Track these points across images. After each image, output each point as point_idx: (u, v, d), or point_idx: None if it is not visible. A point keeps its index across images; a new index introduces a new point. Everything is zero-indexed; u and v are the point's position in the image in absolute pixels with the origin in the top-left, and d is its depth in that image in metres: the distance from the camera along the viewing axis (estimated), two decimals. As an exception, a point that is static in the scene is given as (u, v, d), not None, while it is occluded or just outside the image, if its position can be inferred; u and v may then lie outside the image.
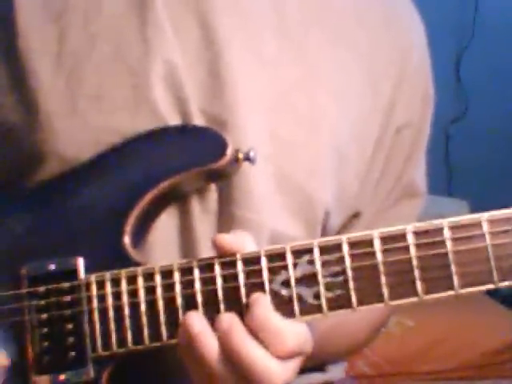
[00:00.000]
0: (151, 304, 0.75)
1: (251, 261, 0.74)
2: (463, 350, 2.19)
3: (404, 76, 0.94)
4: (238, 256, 0.74)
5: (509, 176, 2.83)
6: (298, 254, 0.73)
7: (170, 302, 0.74)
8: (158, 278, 0.75)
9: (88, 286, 0.76)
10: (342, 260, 0.72)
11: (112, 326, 0.75)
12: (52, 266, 0.77)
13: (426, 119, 0.99)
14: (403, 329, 2.03)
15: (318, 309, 0.73)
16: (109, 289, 0.76)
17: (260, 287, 0.73)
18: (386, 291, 0.71)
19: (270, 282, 0.73)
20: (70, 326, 0.76)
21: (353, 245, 0.72)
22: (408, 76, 0.94)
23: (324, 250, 0.73)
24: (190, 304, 0.74)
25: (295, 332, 0.72)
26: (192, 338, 0.72)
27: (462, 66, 3.06)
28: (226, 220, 0.84)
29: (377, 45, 0.92)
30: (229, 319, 0.72)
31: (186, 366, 0.74)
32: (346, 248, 0.72)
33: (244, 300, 0.73)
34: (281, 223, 0.86)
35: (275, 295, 0.73)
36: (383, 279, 0.72)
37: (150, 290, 0.75)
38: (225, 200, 0.84)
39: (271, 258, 0.73)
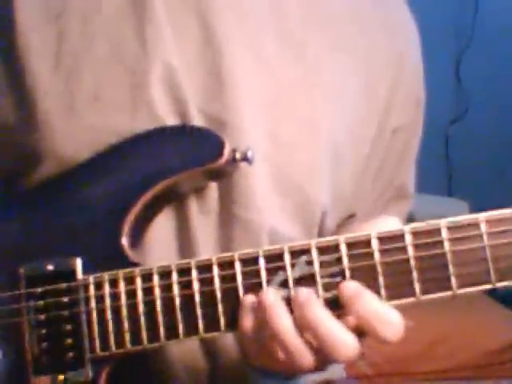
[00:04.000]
0: (149, 305, 0.75)
1: (249, 261, 0.74)
2: (463, 349, 2.19)
3: (400, 79, 0.94)
4: (236, 256, 0.74)
5: (509, 176, 2.83)
6: (296, 254, 0.73)
7: (168, 302, 0.74)
8: (156, 279, 0.75)
9: (86, 286, 0.76)
10: (339, 260, 0.72)
11: (110, 326, 0.75)
12: (50, 267, 0.78)
13: (419, 123, 1.00)
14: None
15: (316, 309, 0.72)
16: (107, 289, 0.76)
17: (258, 288, 0.73)
18: (383, 291, 0.71)
19: (268, 282, 0.73)
20: (68, 327, 0.76)
21: (351, 245, 0.72)
22: (404, 80, 0.95)
23: (322, 250, 0.73)
24: (188, 304, 0.74)
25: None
26: (265, 311, 0.71)
27: (462, 67, 3.05)
28: (226, 220, 0.84)
29: (374, 49, 0.93)
30: (306, 293, 0.71)
31: (253, 351, 0.73)
32: (343, 248, 0.72)
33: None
34: (279, 223, 0.86)
35: None
36: (381, 280, 0.72)
37: (148, 291, 0.75)
38: (225, 200, 0.84)
39: (269, 258, 0.73)
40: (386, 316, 0.70)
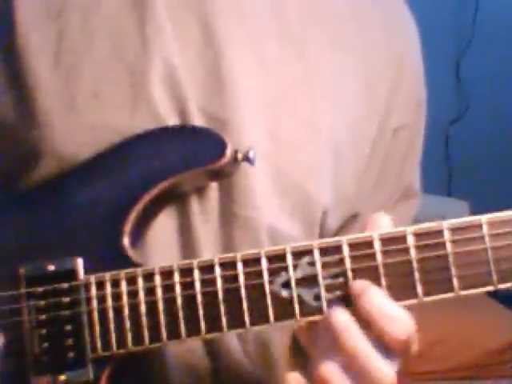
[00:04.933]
0: (151, 305, 0.75)
1: (251, 262, 0.74)
2: (463, 349, 2.19)
3: (400, 80, 0.94)
4: (238, 257, 0.74)
5: (509, 176, 2.83)
6: (298, 255, 0.73)
7: (169, 302, 0.74)
8: (157, 279, 0.75)
9: (87, 286, 0.76)
10: (342, 261, 0.72)
11: (112, 326, 0.75)
12: (51, 267, 0.77)
13: (421, 123, 1.00)
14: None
15: (319, 310, 0.73)
16: (108, 289, 0.76)
17: (260, 288, 0.73)
18: (385, 293, 0.71)
19: (270, 283, 0.73)
20: (69, 327, 0.76)
21: (353, 246, 0.72)
22: (404, 80, 0.95)
23: (324, 251, 0.73)
24: (189, 305, 0.74)
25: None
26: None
27: (462, 67, 3.06)
28: (226, 218, 0.84)
29: (374, 49, 0.93)
30: (345, 318, 0.71)
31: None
32: (346, 249, 0.72)
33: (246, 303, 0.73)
34: (278, 221, 0.86)
35: (275, 296, 0.73)
36: (383, 281, 0.72)
37: (150, 291, 0.75)
38: (225, 199, 0.84)
39: (271, 259, 0.73)
40: (391, 311, 0.70)
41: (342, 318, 0.71)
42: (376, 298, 0.71)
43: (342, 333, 0.71)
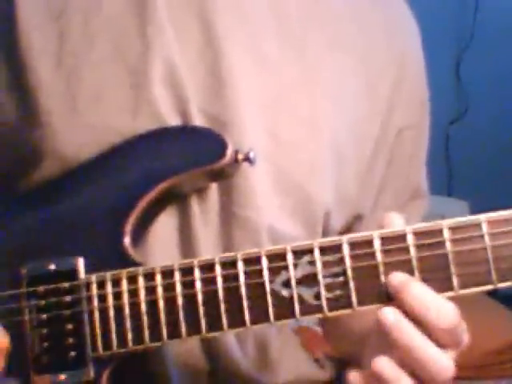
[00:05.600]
0: (152, 304, 0.75)
1: (252, 261, 0.74)
2: (463, 349, 2.19)
3: (402, 79, 0.94)
4: (239, 256, 0.74)
5: (509, 176, 2.82)
6: (298, 254, 0.73)
7: (170, 301, 0.75)
8: (158, 278, 0.75)
9: (88, 286, 0.76)
10: (342, 260, 0.72)
11: (112, 326, 0.75)
12: (52, 266, 0.78)
13: (426, 123, 1.00)
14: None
15: (319, 309, 0.73)
16: (109, 289, 0.76)
17: (260, 287, 0.73)
18: (385, 292, 0.72)
19: (271, 282, 0.73)
20: (70, 326, 0.76)
21: (353, 245, 0.73)
22: (406, 79, 0.95)
23: (324, 250, 0.73)
24: (190, 304, 0.74)
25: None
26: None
27: (462, 67, 3.05)
28: (226, 219, 0.84)
29: (375, 49, 0.93)
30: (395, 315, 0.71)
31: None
32: (346, 248, 0.73)
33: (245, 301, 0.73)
34: (279, 222, 0.86)
35: (275, 295, 0.73)
36: (383, 280, 0.72)
37: (151, 290, 0.75)
38: (226, 199, 0.84)
39: (272, 258, 0.74)
40: (434, 301, 0.70)
41: (390, 315, 0.70)
42: (417, 289, 0.70)
43: (393, 329, 0.70)
